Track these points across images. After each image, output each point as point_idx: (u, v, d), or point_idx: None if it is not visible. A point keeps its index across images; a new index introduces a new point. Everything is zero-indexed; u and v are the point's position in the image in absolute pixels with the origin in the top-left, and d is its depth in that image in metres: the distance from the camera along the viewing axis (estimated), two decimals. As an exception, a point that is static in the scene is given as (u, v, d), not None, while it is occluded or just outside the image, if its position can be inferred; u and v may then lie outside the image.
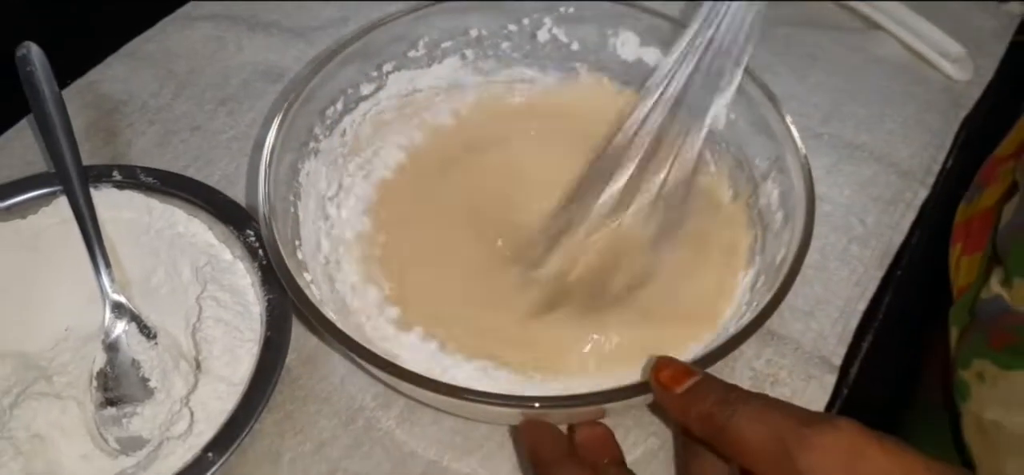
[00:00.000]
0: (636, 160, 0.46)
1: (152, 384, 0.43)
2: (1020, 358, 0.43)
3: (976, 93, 0.62)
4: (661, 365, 0.36)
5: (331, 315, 0.40)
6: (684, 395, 0.35)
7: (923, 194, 0.55)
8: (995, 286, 0.45)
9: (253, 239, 0.46)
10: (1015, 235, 0.46)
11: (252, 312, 0.45)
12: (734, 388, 0.34)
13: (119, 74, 0.59)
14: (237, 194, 0.53)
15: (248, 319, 0.44)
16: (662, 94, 0.47)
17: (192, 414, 0.41)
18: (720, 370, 0.39)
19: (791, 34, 0.65)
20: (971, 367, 0.44)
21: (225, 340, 0.43)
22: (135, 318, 0.45)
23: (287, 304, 0.44)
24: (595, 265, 0.46)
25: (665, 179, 0.46)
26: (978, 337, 0.45)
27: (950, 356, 0.47)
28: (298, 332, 0.46)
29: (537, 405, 0.38)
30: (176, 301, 0.46)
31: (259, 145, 0.55)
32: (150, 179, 0.48)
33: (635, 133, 0.47)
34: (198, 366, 0.43)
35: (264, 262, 0.45)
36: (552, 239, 0.46)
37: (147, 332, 0.45)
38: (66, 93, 0.58)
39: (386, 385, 0.44)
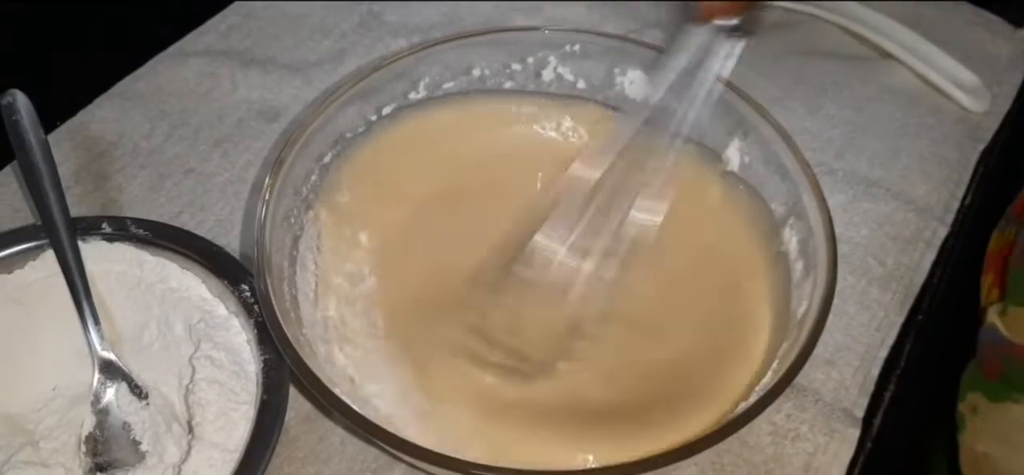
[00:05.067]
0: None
1: (143, 447, 0.41)
2: (1009, 389, 0.42)
3: (993, 125, 0.60)
4: None
5: (327, 378, 0.38)
6: None
7: (942, 232, 0.54)
8: (993, 315, 0.45)
9: (249, 295, 0.44)
10: (1015, 262, 0.45)
11: (248, 372, 0.43)
12: None
13: (109, 115, 0.57)
14: (232, 241, 0.51)
15: (243, 380, 0.42)
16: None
17: (185, 484, 0.39)
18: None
19: (802, 65, 0.63)
20: (966, 400, 0.44)
21: (219, 403, 0.41)
22: (126, 377, 0.43)
23: (284, 365, 0.42)
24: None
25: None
26: (975, 368, 0.45)
27: None
28: (293, 392, 0.44)
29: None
30: (169, 359, 0.44)
31: (255, 188, 0.53)
32: (141, 231, 0.46)
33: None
34: (191, 430, 0.41)
35: (260, 319, 0.43)
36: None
37: (138, 392, 0.42)
38: (54, 135, 0.56)
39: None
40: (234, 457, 0.39)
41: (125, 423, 0.42)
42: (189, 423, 0.41)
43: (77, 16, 0.65)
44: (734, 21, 0.43)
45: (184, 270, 0.46)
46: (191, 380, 0.42)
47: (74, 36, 0.64)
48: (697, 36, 0.44)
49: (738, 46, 0.43)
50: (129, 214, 0.51)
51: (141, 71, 0.60)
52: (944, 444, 0.48)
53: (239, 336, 0.44)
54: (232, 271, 0.45)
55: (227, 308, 0.45)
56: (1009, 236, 0.50)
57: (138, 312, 0.45)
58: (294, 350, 0.38)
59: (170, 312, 0.45)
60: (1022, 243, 0.47)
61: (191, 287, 0.45)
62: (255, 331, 0.43)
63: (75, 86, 0.59)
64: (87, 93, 0.58)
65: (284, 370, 0.42)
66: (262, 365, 0.42)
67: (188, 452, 0.40)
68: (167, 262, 0.46)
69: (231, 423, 0.41)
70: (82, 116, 0.57)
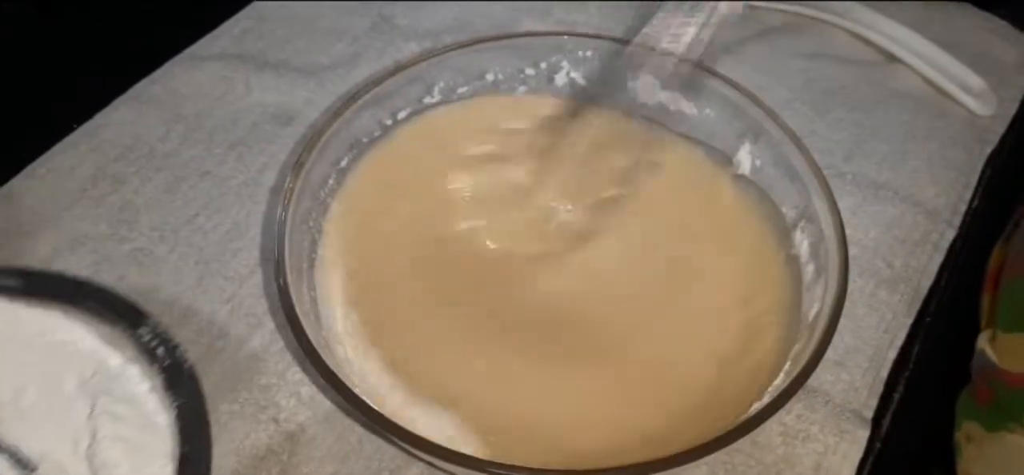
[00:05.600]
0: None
1: None
2: (1003, 417, 0.42)
3: (1000, 128, 0.60)
4: None
5: (346, 377, 0.39)
6: None
7: (950, 234, 0.54)
8: (982, 341, 0.45)
9: (149, 338, 0.39)
10: (1006, 285, 0.45)
11: (156, 424, 0.38)
12: None
13: (126, 118, 0.58)
14: (249, 243, 0.51)
15: (152, 432, 0.37)
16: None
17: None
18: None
19: (808, 68, 0.64)
20: (962, 428, 0.44)
21: (129, 461, 0.36)
22: (6, 449, 0.37)
23: (201, 408, 0.37)
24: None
25: None
26: (968, 395, 0.45)
27: None
28: (312, 391, 0.45)
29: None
30: (59, 421, 0.38)
31: (271, 191, 0.54)
32: (12, 282, 0.40)
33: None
34: None
35: (166, 364, 0.38)
36: None
37: (24, 464, 0.37)
38: (72, 138, 0.56)
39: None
40: None
41: None
42: None
43: (92, 19, 0.65)
44: None
45: (70, 319, 0.40)
46: (93, 440, 0.37)
47: (89, 39, 0.64)
48: None
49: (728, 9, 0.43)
50: (146, 216, 0.52)
51: (156, 74, 0.61)
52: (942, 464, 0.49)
53: (140, 385, 0.39)
54: (126, 314, 0.40)
55: (124, 356, 0.40)
56: (1002, 253, 0.51)
57: (16, 373, 0.39)
58: (315, 351, 0.38)
59: (56, 368, 0.39)
60: (1009, 262, 0.47)
61: (79, 337, 0.40)
62: (161, 377, 0.38)
63: (90, 89, 0.59)
64: (103, 96, 0.59)
65: (202, 413, 0.37)
66: (175, 412, 0.37)
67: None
68: (48, 313, 0.40)
69: None
70: (98, 119, 0.58)
